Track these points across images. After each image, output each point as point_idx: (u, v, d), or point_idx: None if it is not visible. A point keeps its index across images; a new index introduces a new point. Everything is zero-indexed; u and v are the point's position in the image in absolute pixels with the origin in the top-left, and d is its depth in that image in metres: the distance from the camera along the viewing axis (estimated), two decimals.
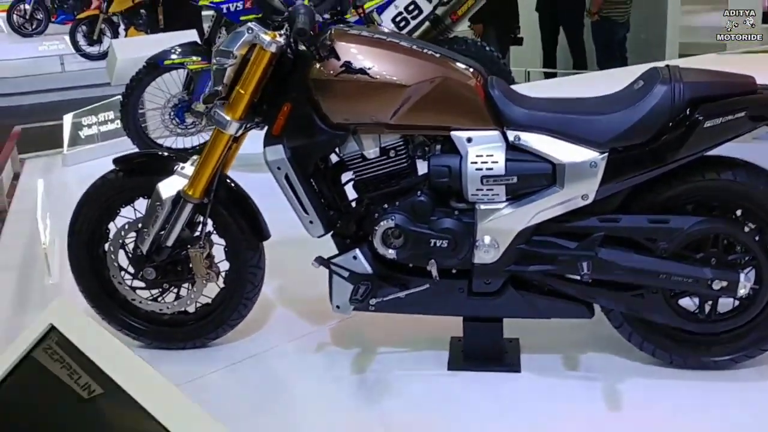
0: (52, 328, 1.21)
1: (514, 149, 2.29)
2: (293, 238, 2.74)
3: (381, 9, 4.68)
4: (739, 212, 2.34)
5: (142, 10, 11.18)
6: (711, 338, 2.42)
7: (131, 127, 5.06)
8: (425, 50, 2.36)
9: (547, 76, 8.63)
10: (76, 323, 1.21)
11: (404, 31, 4.73)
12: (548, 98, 2.38)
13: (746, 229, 2.32)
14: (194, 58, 4.93)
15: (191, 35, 5.77)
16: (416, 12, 4.72)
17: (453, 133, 2.32)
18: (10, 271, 3.64)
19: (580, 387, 2.43)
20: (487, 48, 4.86)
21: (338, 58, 2.28)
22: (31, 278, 3.50)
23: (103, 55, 11.44)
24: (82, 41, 11.34)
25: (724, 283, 2.28)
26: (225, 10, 4.71)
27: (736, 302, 2.39)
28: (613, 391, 2.38)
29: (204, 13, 5.01)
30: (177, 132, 5.13)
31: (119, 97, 5.61)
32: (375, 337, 2.78)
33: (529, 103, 2.34)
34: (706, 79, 2.23)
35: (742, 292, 2.28)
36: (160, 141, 5.18)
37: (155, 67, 4.94)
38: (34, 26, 13.04)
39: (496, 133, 2.31)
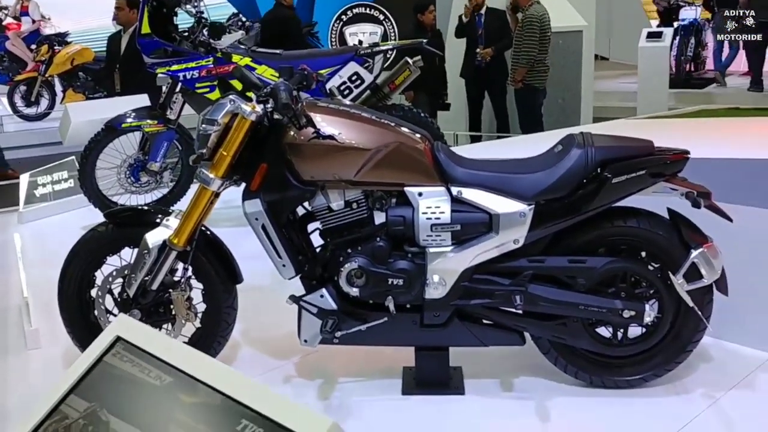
0: (118, 339, 1.56)
1: (457, 202, 2.73)
2: (257, 284, 3.07)
3: (327, 78, 5.14)
4: (644, 253, 2.82)
5: (81, 73, 11.44)
6: (623, 361, 2.87)
7: (88, 185, 5.32)
8: (382, 120, 2.80)
9: (473, 139, 9.24)
10: (137, 331, 1.55)
11: (347, 99, 5.18)
12: (484, 160, 2.84)
13: (650, 268, 2.80)
14: (150, 121, 5.27)
15: (143, 100, 6.11)
16: (359, 82, 5.17)
17: (406, 188, 2.74)
18: None
19: (516, 405, 2.84)
20: (422, 114, 5.35)
21: (310, 126, 2.69)
22: (8, 326, 3.72)
23: (40, 117, 11.62)
24: (19, 102, 11.47)
25: (633, 313, 2.73)
26: (182, 78, 5.10)
27: (643, 330, 2.85)
28: (543, 408, 2.80)
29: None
30: (131, 190, 5.42)
31: (72, 157, 5.89)
32: (335, 369, 3.14)
33: (469, 163, 2.79)
34: (613, 144, 2.72)
35: (647, 319, 2.74)
36: (114, 198, 5.45)
37: (113, 129, 5.26)
38: None
39: (442, 188, 2.74)
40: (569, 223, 2.72)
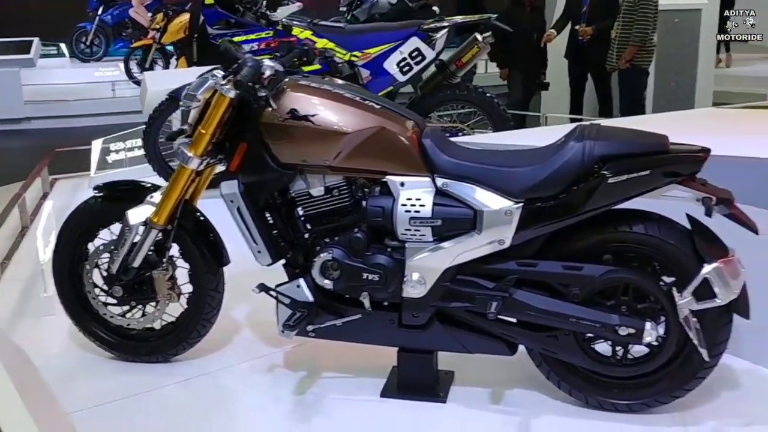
0: None
1: (442, 195, 2.49)
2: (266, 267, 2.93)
3: (386, 55, 4.95)
4: (657, 265, 2.49)
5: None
6: (623, 382, 2.55)
7: (152, 154, 5.39)
8: (367, 101, 2.58)
9: (572, 121, 8.76)
10: None
11: (407, 76, 4.98)
12: (477, 149, 2.58)
13: (662, 281, 2.46)
14: None
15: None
16: (420, 58, 4.95)
17: (388, 177, 2.53)
18: (17, 282, 3.96)
19: (497, 420, 2.58)
20: (487, 94, 5.06)
21: (287, 105, 2.53)
22: (32, 291, 3.79)
23: None
24: (135, 68, 11.87)
25: (631, 330, 2.41)
26: None
27: (649, 350, 2.52)
28: (526, 426, 2.54)
29: None
30: None
31: None
32: (324, 363, 2.98)
33: (458, 153, 2.53)
34: (617, 139, 2.39)
35: (648, 339, 2.41)
36: None
37: (175, 100, 5.26)
38: (93, 52, 13.68)
39: (427, 179, 2.51)
40: (562, 225, 2.42)
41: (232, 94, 2.57)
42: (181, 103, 2.66)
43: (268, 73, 2.54)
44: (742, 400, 2.69)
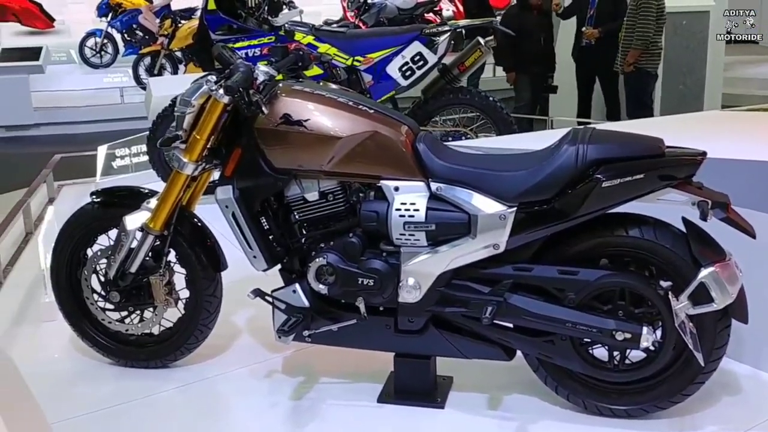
0: None
1: (436, 199, 2.48)
2: (271, 272, 2.91)
3: (389, 59, 4.94)
4: (654, 269, 2.47)
5: None
6: (621, 387, 2.53)
7: (156, 159, 5.40)
8: (360, 106, 2.58)
9: (580, 125, 8.70)
10: None
11: (409, 81, 4.97)
12: (471, 153, 2.57)
13: (660, 285, 2.43)
14: None
15: None
16: (421, 62, 4.94)
17: (382, 181, 2.52)
18: (19, 288, 3.97)
19: (494, 426, 2.57)
20: (491, 98, 5.04)
21: (280, 110, 2.52)
22: (34, 297, 3.79)
23: None
24: (143, 74, 11.90)
25: (628, 335, 2.39)
26: (243, 56, 5.04)
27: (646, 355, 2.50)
28: (523, 431, 2.52)
29: None
30: None
31: None
32: (322, 368, 2.97)
33: (452, 157, 2.52)
34: (612, 142, 2.37)
35: (644, 344, 2.39)
36: None
37: None
38: (102, 58, 13.73)
39: (421, 183, 2.50)
40: (556, 230, 2.40)
41: (226, 99, 2.57)
42: (175, 108, 2.67)
43: (261, 78, 2.54)
44: (742, 405, 2.66)
